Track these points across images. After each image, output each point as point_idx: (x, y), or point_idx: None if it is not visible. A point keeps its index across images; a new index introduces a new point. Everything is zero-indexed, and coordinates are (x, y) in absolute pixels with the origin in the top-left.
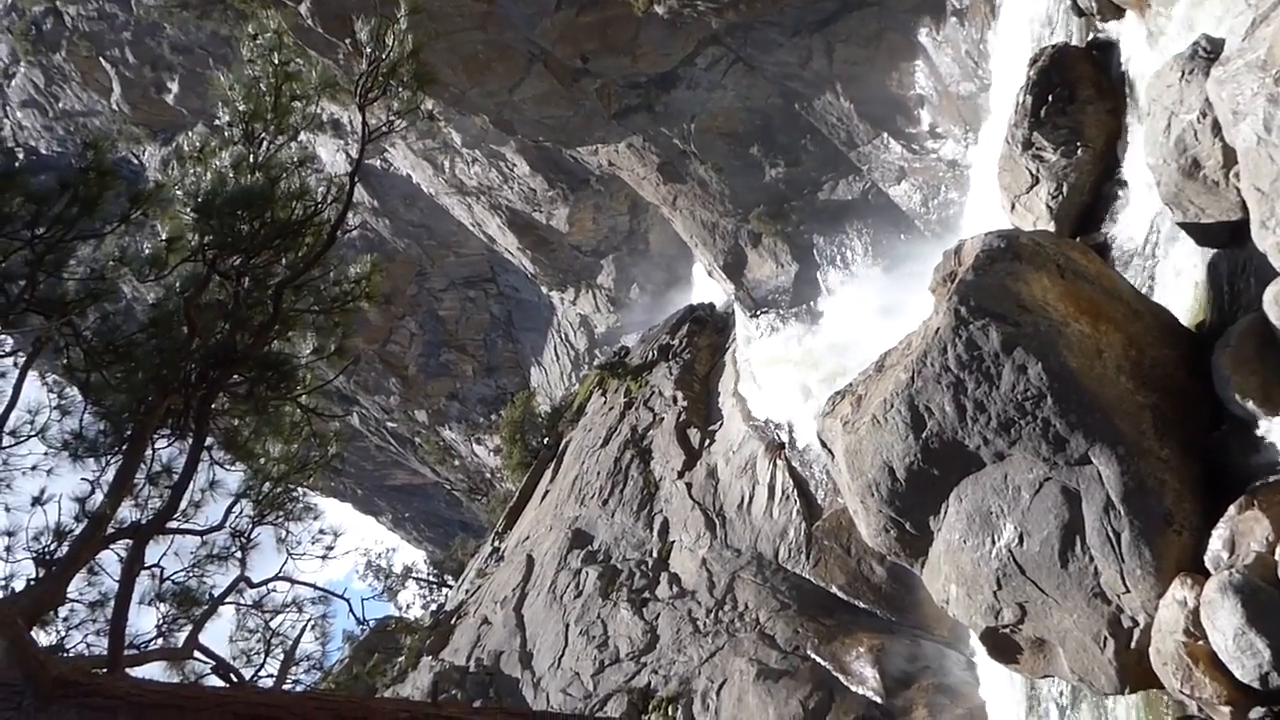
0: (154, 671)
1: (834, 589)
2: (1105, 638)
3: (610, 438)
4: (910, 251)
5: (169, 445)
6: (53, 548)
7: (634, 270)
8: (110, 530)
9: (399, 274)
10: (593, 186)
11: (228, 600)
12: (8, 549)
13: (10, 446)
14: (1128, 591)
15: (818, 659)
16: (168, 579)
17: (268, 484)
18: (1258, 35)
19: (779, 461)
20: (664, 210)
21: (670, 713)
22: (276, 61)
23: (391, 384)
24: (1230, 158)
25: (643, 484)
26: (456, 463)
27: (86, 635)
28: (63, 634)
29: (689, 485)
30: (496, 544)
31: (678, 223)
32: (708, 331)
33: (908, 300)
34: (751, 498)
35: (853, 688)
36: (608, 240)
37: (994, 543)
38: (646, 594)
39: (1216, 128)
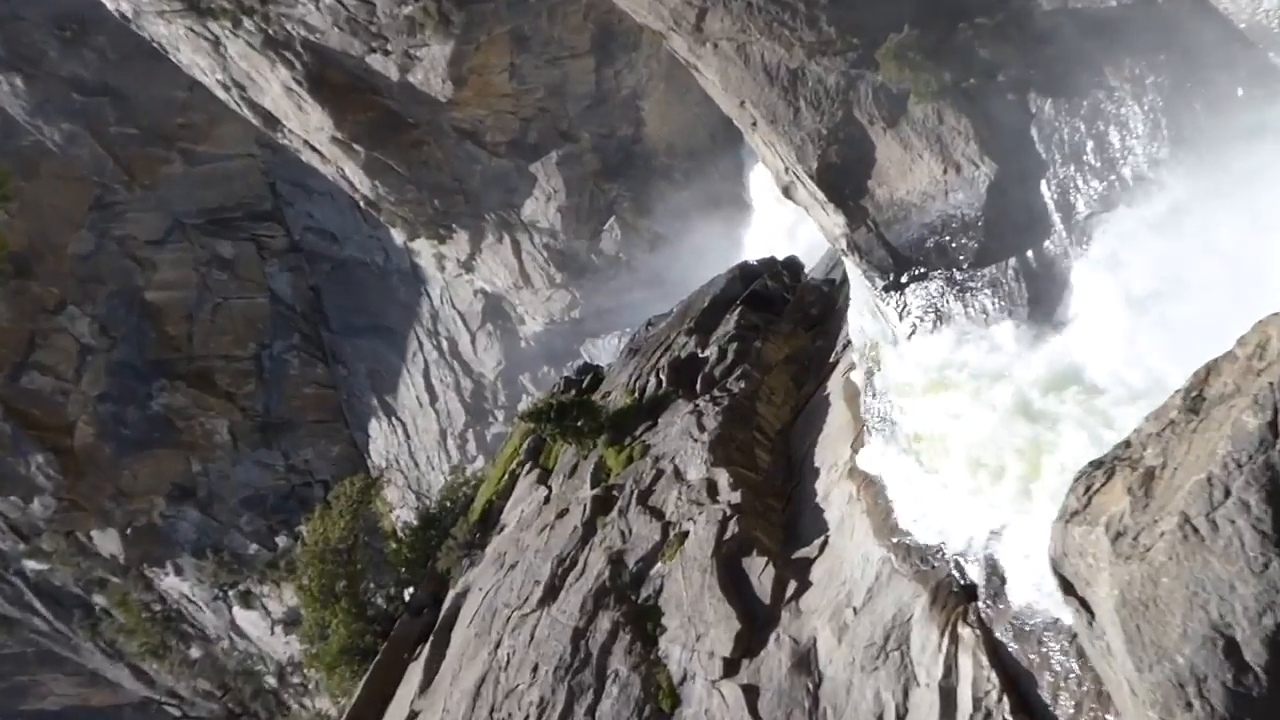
0: None
1: None
2: None
3: (563, 581)
4: (1260, 129)
5: None
6: None
7: (609, 187)
8: None
9: (51, 206)
10: None
11: None
12: None
13: None
14: None
15: None
16: None
17: None
18: None
19: (963, 629)
20: (674, 46)
21: None
22: None
23: (34, 466)
24: None
25: (640, 694)
26: (196, 654)
27: None
28: None
29: (749, 691)
30: None
31: (708, 70)
32: (785, 326)
33: (1255, 246)
34: (904, 718)
35: None
36: (544, 121)
37: None
38: None
39: None
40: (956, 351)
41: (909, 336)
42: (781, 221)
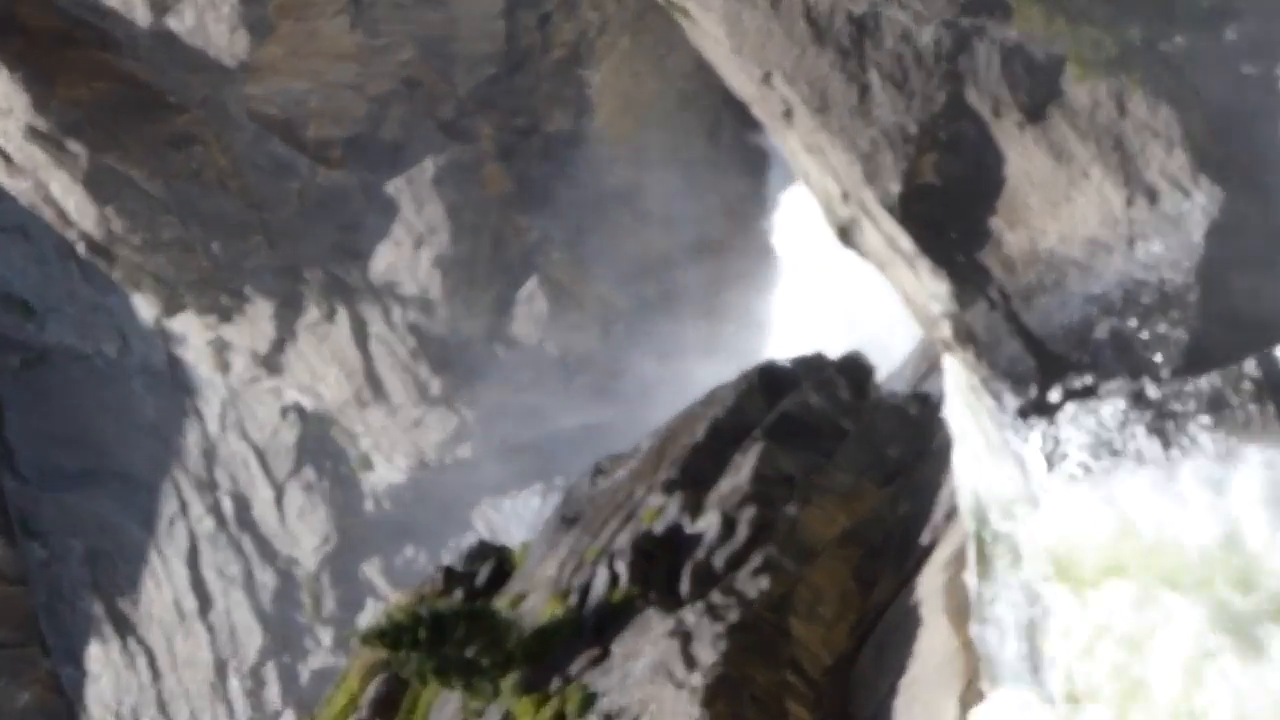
0: None
1: None
2: None
3: None
4: None
5: None
6: None
7: (528, 223)
8: None
9: None
10: None
11: None
12: None
13: None
14: None
15: None
16: None
17: None
18: None
19: None
20: None
21: None
22: None
23: None
24: None
25: None
26: None
27: None
28: None
29: None
30: None
31: (707, 17)
32: (843, 477)
33: None
34: None
35: None
36: (413, 102)
37: None
38: None
39: None
40: (1152, 524)
41: (1066, 496)
42: (835, 289)
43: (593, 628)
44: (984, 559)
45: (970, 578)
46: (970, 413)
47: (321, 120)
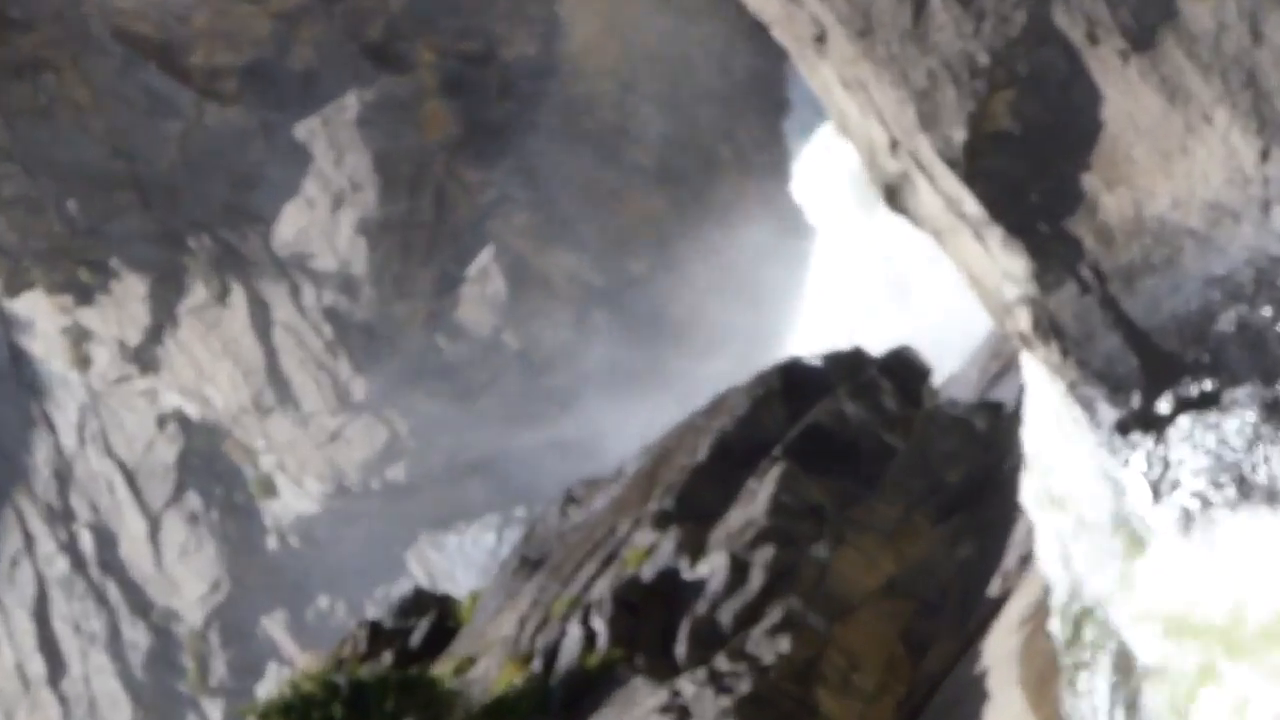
0: None
1: None
2: None
3: None
4: None
5: None
6: None
7: (478, 178)
8: None
9: None
10: None
11: None
12: None
13: None
14: None
15: None
16: None
17: None
18: None
19: None
20: None
21: None
22: None
23: None
24: None
25: None
26: None
27: None
28: None
29: None
30: None
31: None
32: (887, 509)
33: None
34: None
35: None
36: (330, 22)
37: None
38: None
39: None
40: None
41: (1181, 534)
42: (878, 266)
43: (562, 701)
44: (1078, 633)
45: (1055, 640)
46: (1057, 425)
47: (211, 43)
